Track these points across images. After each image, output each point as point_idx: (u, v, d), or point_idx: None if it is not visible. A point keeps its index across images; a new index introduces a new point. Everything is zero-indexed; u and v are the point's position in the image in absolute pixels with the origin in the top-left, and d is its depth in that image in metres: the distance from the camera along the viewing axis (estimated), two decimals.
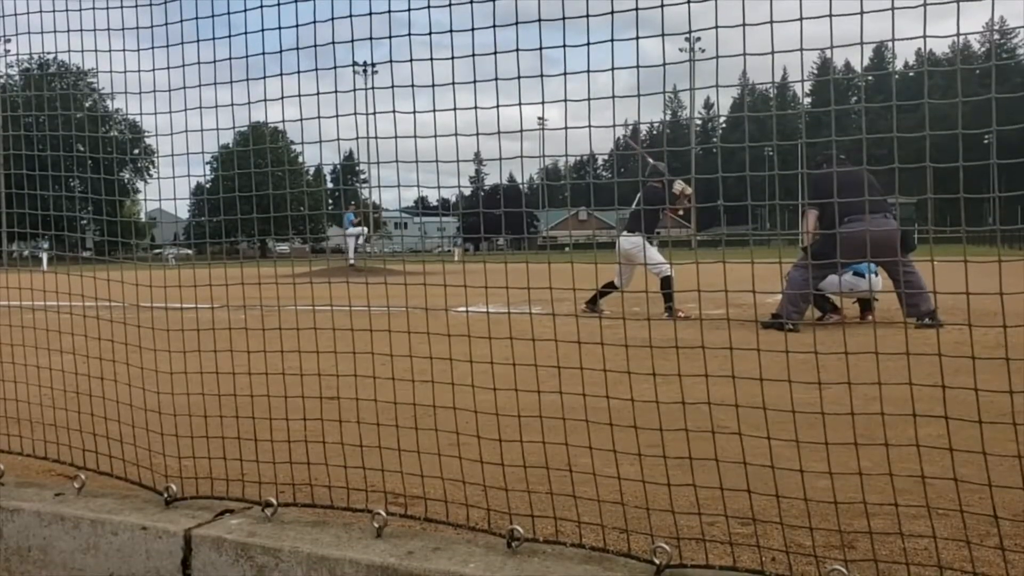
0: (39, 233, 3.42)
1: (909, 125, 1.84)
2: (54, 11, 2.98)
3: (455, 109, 2.26)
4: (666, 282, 8.64)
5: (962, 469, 1.77)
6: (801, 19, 1.84)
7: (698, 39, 2.47)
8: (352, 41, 2.42)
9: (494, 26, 2.21)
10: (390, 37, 2.37)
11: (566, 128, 2.22)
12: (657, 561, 1.83)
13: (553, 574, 1.84)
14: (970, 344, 1.72)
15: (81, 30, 2.92)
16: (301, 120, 2.54)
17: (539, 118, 2.47)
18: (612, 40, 2.11)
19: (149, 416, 2.64)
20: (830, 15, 1.81)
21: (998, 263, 1.68)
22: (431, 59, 2.28)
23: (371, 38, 2.39)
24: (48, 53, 3.18)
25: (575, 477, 2.12)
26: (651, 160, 10.05)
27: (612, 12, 2.08)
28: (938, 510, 2.07)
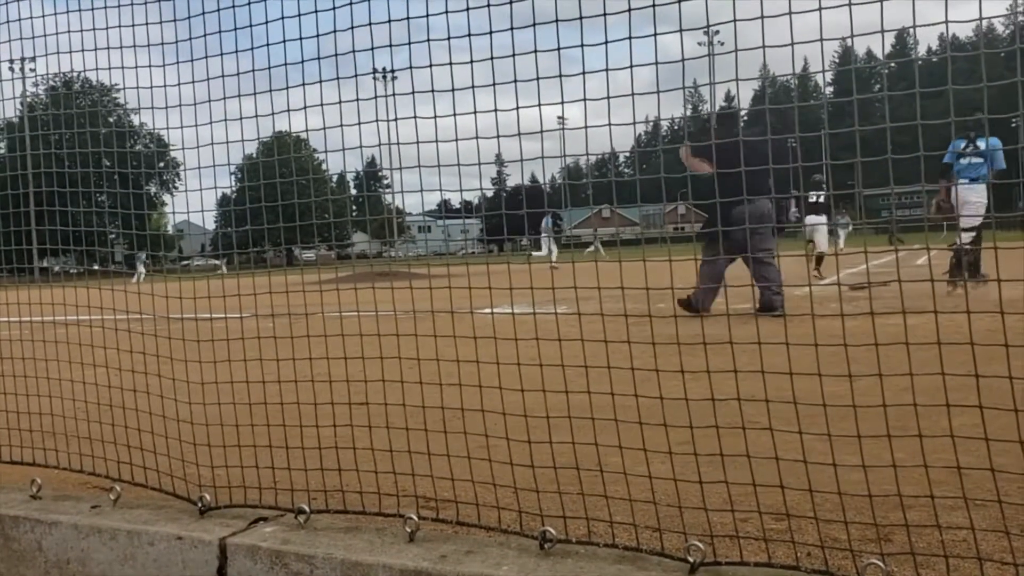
0: (70, 249, 3.47)
1: (936, 111, 1.82)
2: (82, 30, 3.03)
3: (475, 113, 2.26)
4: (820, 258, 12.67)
5: (999, 459, 1.74)
6: (820, 9, 1.82)
7: (716, 32, 2.46)
8: (372, 49, 2.44)
9: (511, 28, 2.21)
10: (409, 44, 2.38)
11: (586, 127, 2.22)
12: (691, 559, 1.82)
13: (587, 574, 1.84)
14: (1003, 331, 1.70)
15: (108, 48, 2.96)
16: (324, 129, 2.55)
17: (559, 117, 2.47)
18: (630, 38, 2.10)
19: (181, 427, 2.67)
20: (849, 4, 1.80)
21: None
22: (450, 64, 2.29)
23: (391, 45, 2.40)
24: (73, 72, 3.22)
25: (606, 477, 2.11)
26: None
27: (629, 10, 2.08)
28: (975, 501, 2.04)
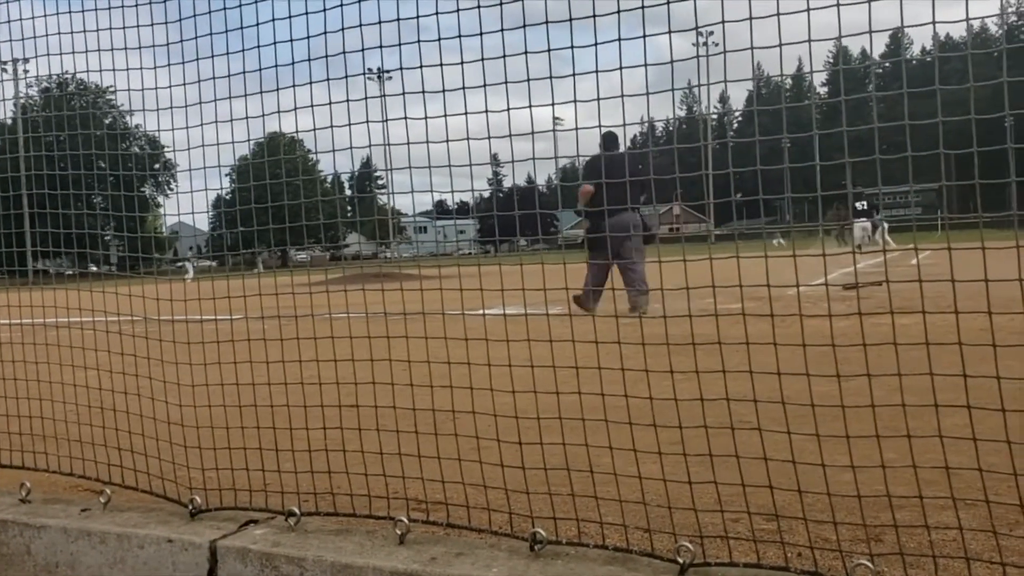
0: (62, 251, 3.46)
1: (929, 111, 1.82)
2: (72, 32, 3.02)
3: (466, 114, 2.25)
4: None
5: (990, 458, 1.74)
6: (809, 10, 1.82)
7: (711, 33, 2.45)
8: (363, 50, 2.43)
9: (502, 30, 2.20)
10: (399, 45, 2.37)
11: (577, 129, 2.22)
12: (681, 560, 1.82)
13: None
14: (992, 332, 1.70)
15: (99, 50, 2.96)
16: (315, 130, 2.55)
17: (555, 118, 2.47)
18: (619, 40, 2.10)
19: (172, 429, 2.66)
20: (838, 4, 1.80)
21: (1016, 248, 1.65)
22: (441, 64, 2.29)
23: (381, 46, 2.39)
24: (67, 73, 3.22)
25: (596, 477, 2.11)
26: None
27: (619, 11, 2.08)
28: (965, 500, 2.04)
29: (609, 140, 8.37)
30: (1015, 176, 1.81)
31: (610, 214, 7.13)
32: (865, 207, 21.77)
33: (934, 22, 1.69)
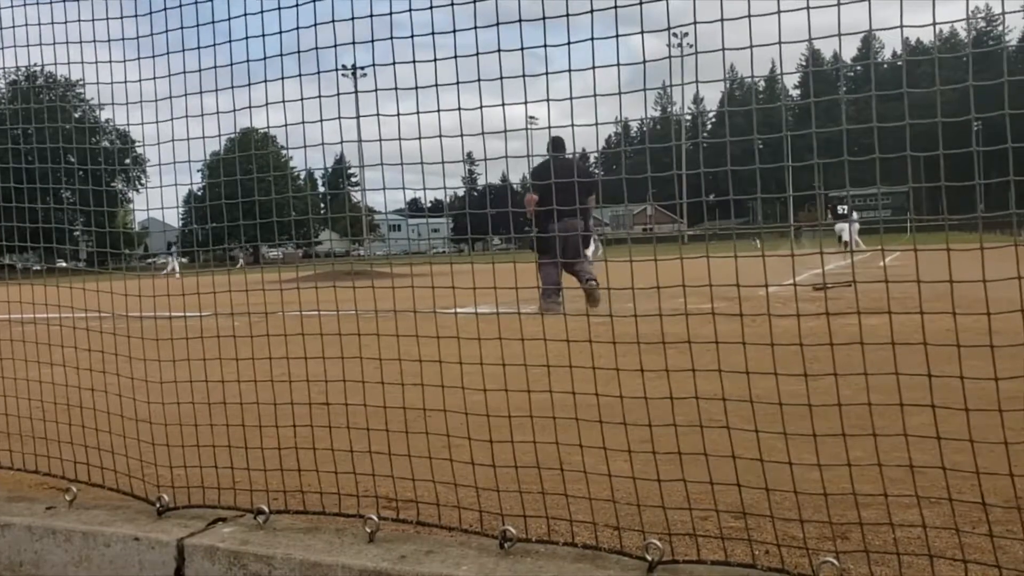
0: (28, 246, 3.41)
1: (900, 114, 1.84)
2: (39, 24, 2.98)
3: (439, 111, 2.25)
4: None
5: (954, 457, 1.77)
6: (779, 12, 1.84)
7: (685, 34, 2.46)
8: (336, 46, 2.42)
9: (475, 27, 2.20)
10: (372, 41, 2.36)
11: (550, 128, 2.22)
12: (649, 558, 1.82)
13: (546, 574, 1.84)
14: (956, 332, 1.72)
15: (68, 42, 2.92)
16: (287, 126, 2.53)
17: (529, 117, 2.47)
18: (592, 39, 2.10)
19: (140, 426, 2.63)
20: (807, 7, 1.82)
21: (980, 250, 1.68)
22: (414, 61, 2.28)
23: (354, 43, 2.38)
24: (35, 65, 3.17)
25: (566, 475, 2.11)
26: None
27: (592, 11, 2.08)
28: (929, 499, 2.08)
29: (556, 145, 8.48)
30: (981, 179, 1.84)
31: (554, 218, 7.34)
32: (846, 210, 23.66)
33: (902, 26, 1.71)
